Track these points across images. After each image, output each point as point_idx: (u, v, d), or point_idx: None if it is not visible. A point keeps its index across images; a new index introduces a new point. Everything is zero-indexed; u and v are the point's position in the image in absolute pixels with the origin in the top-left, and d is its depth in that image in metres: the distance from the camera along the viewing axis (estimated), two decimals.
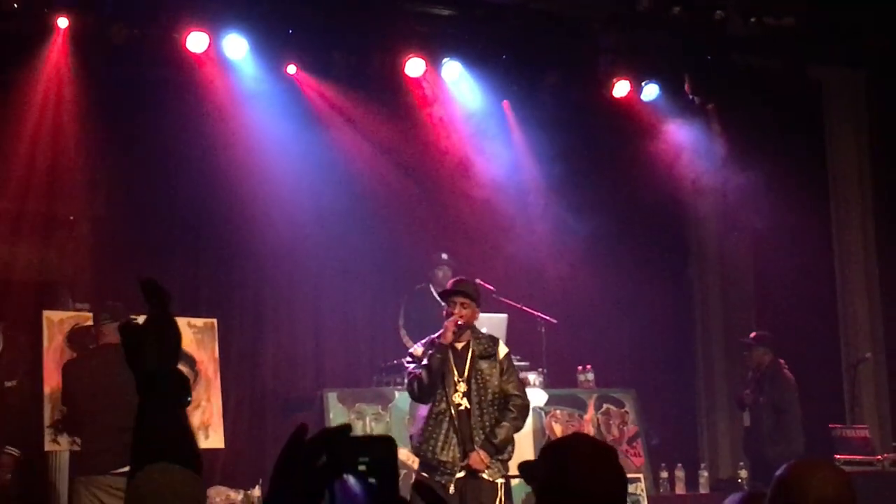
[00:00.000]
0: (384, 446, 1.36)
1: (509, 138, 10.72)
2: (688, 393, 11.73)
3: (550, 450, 2.76)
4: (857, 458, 9.09)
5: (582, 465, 2.64)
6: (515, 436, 6.92)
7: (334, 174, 10.18)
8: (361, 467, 1.34)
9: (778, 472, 2.81)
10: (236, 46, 9.39)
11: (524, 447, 7.89)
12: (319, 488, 1.34)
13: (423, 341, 6.95)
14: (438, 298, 9.61)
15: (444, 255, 9.79)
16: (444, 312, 6.86)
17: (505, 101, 10.74)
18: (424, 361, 6.71)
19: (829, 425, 9.68)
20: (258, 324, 10.30)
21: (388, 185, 10.52)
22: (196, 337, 8.47)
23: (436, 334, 6.82)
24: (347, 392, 8.95)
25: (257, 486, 8.31)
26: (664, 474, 9.59)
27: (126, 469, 2.35)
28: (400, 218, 10.55)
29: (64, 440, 7.53)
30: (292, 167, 9.83)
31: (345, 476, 1.35)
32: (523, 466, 2.79)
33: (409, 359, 6.99)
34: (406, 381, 6.96)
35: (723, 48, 10.29)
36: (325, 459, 1.35)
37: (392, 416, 8.80)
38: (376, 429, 8.61)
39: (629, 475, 9.22)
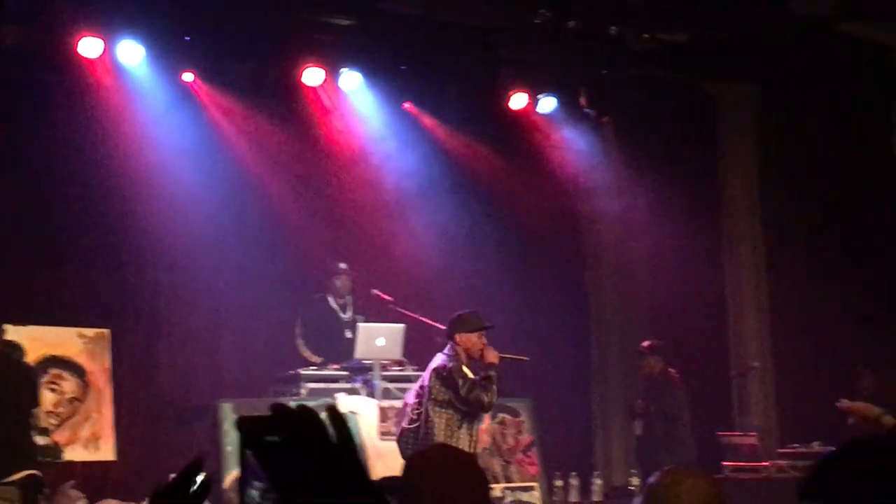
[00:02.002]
0: (298, 420, 1.35)
1: (408, 148, 10.74)
2: (583, 401, 11.87)
3: (410, 463, 2.78)
4: (744, 464, 9.31)
5: (440, 476, 2.66)
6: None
7: (231, 183, 10.10)
8: (272, 444, 1.34)
9: (649, 481, 2.88)
10: (131, 52, 9.27)
11: None
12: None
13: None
14: (336, 308, 9.70)
15: (342, 265, 9.79)
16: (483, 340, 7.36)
17: (407, 102, 10.75)
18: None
19: (718, 433, 9.91)
20: (153, 333, 10.15)
21: (285, 193, 10.47)
22: (87, 347, 8.35)
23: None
24: (243, 402, 8.88)
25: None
26: (559, 482, 9.71)
27: None
28: (298, 227, 10.50)
29: None
30: (188, 175, 9.73)
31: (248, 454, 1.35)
32: (385, 481, 2.81)
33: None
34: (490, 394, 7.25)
35: (618, 63, 10.46)
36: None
37: None
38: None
39: (524, 483, 9.36)
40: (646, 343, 10.06)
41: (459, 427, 7.21)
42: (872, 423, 4.28)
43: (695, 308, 11.16)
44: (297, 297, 10.14)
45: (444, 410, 7.19)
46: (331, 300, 9.73)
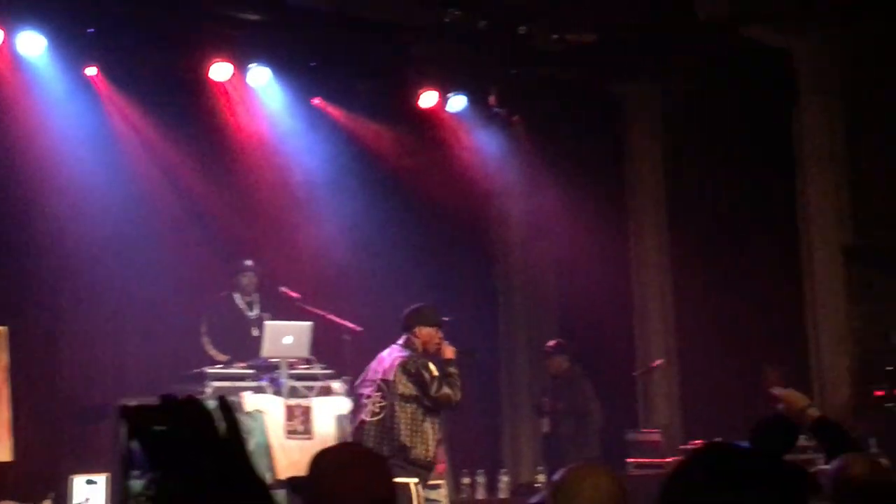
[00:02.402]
0: (184, 411, 1.33)
1: (317, 144, 10.69)
2: (492, 399, 11.93)
3: (316, 460, 2.76)
4: (648, 461, 9.45)
5: (346, 475, 2.66)
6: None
7: (136, 179, 9.95)
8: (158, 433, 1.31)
9: (554, 477, 2.90)
10: (32, 43, 9.05)
11: None
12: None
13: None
14: (242, 306, 9.60)
15: (249, 262, 9.69)
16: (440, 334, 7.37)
17: (316, 97, 10.69)
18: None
19: (624, 430, 10.05)
20: (55, 331, 9.94)
21: (191, 189, 10.34)
22: None
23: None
24: (146, 401, 8.72)
25: (48, 500, 8.03)
26: (466, 480, 9.74)
27: None
28: (204, 224, 10.38)
29: None
30: (92, 171, 9.55)
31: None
32: (293, 481, 2.79)
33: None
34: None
35: (527, 63, 10.53)
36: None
37: None
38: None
39: (431, 481, 9.35)
40: (552, 342, 10.14)
41: (423, 421, 7.22)
42: (798, 412, 4.39)
43: (602, 307, 11.30)
44: (203, 295, 10.01)
45: (408, 405, 7.18)
46: (237, 298, 9.63)
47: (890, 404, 9.08)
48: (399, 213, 11.23)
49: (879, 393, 9.17)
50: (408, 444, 7.11)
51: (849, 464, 3.91)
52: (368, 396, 7.33)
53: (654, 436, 10.01)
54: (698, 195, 11.09)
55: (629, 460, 9.54)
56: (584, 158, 11.45)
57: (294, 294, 9.49)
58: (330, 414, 9.01)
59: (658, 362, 10.80)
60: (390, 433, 7.14)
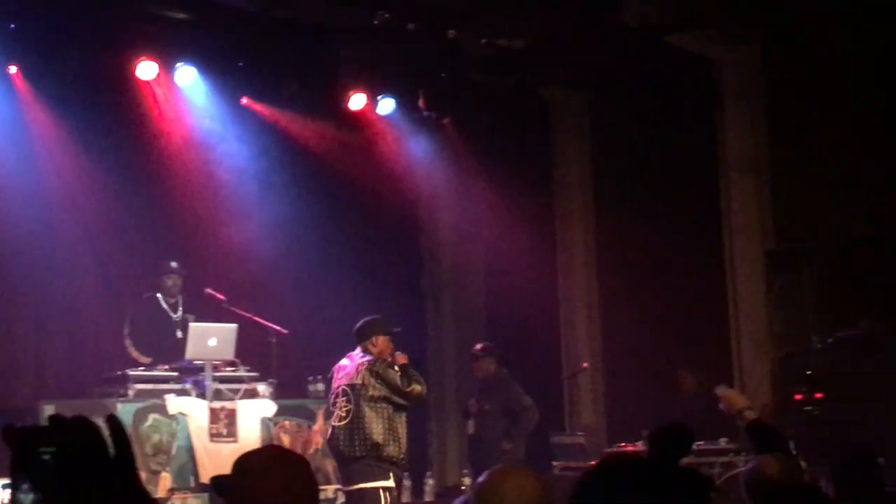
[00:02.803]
0: (73, 432, 1.29)
1: (244, 144, 10.61)
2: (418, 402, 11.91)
3: (239, 462, 2.75)
4: (573, 464, 9.51)
5: (268, 477, 2.65)
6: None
7: (59, 179, 9.79)
8: (46, 456, 1.28)
9: (479, 480, 2.92)
10: None
11: None
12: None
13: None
14: (167, 308, 9.50)
15: (174, 264, 9.59)
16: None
17: (244, 97, 10.61)
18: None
19: (550, 432, 10.10)
20: None
21: (117, 189, 10.20)
22: None
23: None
24: (66, 404, 8.57)
25: None
26: None
27: None
28: (129, 225, 10.26)
29: None
30: (13, 168, 9.39)
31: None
32: (215, 480, 2.77)
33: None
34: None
35: (456, 66, 10.56)
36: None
37: None
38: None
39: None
40: (479, 345, 10.16)
41: (394, 420, 7.42)
42: (736, 412, 4.55)
43: (529, 310, 11.37)
44: (127, 296, 9.89)
45: (379, 405, 7.36)
46: (161, 299, 9.52)
47: (809, 407, 9.23)
48: (327, 215, 11.19)
49: (799, 396, 9.32)
50: (381, 442, 7.28)
51: (762, 465, 4.01)
52: (334, 404, 7.53)
53: (580, 439, 10.08)
54: (625, 200, 11.20)
55: (555, 463, 9.60)
56: (512, 162, 11.51)
57: (220, 296, 9.42)
58: (255, 416, 8.96)
59: (584, 365, 10.88)
60: (361, 434, 7.30)
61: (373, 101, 10.81)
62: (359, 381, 7.37)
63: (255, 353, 9.37)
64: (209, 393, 8.76)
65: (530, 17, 9.80)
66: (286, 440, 9.12)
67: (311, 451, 9.18)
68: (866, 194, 9.58)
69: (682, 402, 9.61)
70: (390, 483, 7.26)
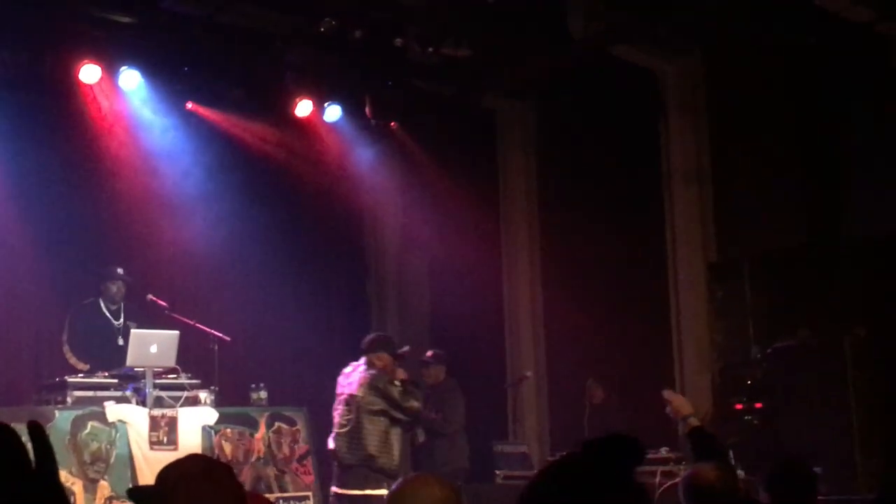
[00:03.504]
0: None
1: (188, 150, 10.53)
2: None
3: (163, 472, 2.71)
4: (516, 473, 9.53)
5: (193, 486, 2.61)
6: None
7: (1, 180, 9.65)
8: None
9: (392, 487, 2.92)
10: None
11: None
12: None
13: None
14: (108, 314, 9.39)
15: (120, 270, 9.47)
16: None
17: (189, 102, 10.53)
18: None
19: (492, 441, 10.11)
20: None
21: (59, 194, 10.10)
22: None
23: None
24: (3, 411, 8.45)
25: None
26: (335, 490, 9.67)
27: None
28: (70, 228, 10.14)
29: None
30: None
31: None
32: (133, 491, 2.73)
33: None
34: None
35: (402, 74, 10.57)
36: None
37: (52, 436, 8.39)
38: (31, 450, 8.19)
39: (299, 493, 9.29)
40: (430, 352, 10.15)
41: (389, 433, 7.83)
42: (681, 418, 4.62)
43: (474, 318, 11.38)
44: (66, 302, 9.75)
45: (376, 418, 7.77)
46: (102, 305, 9.41)
47: (749, 416, 9.33)
48: (273, 221, 11.14)
49: (739, 406, 9.42)
50: (375, 453, 7.72)
51: (700, 472, 4.07)
52: (337, 411, 7.97)
53: (522, 448, 10.11)
54: (569, 209, 11.26)
55: (497, 472, 9.61)
56: (457, 171, 11.53)
57: (161, 302, 9.34)
58: (196, 424, 8.87)
59: (527, 374, 10.91)
60: (358, 444, 7.76)
61: (319, 108, 10.78)
62: (360, 394, 7.79)
63: (196, 361, 9.29)
64: (149, 400, 8.66)
65: (476, 27, 9.83)
66: (228, 448, 9.05)
67: (253, 458, 9.12)
68: (804, 204, 9.72)
69: (589, 412, 9.73)
70: (384, 492, 7.47)
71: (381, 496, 7.44)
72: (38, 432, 1.27)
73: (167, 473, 2.69)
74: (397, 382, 7.80)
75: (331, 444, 8.08)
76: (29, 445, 1.40)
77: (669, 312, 10.28)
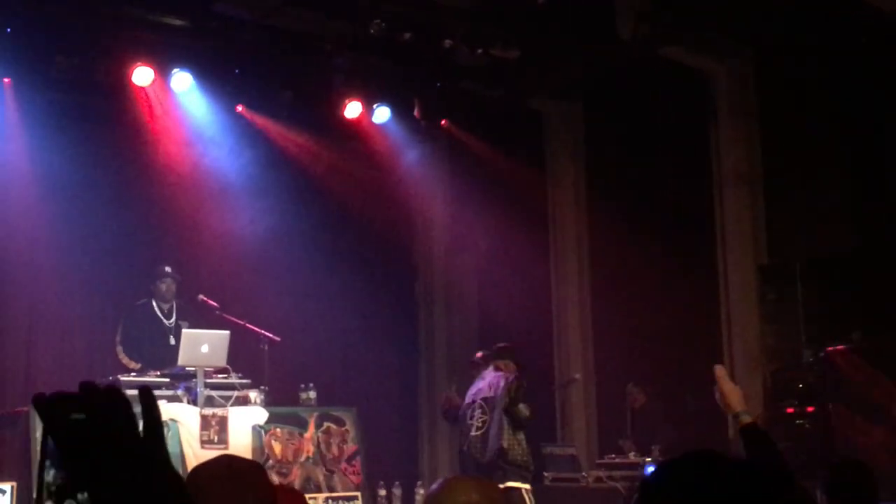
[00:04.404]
0: (105, 400, 1.26)
1: (240, 151, 10.62)
2: (410, 411, 11.92)
3: (193, 473, 2.73)
4: (564, 475, 9.50)
5: (224, 486, 2.63)
6: None
7: (55, 182, 9.79)
8: (76, 418, 1.23)
9: (431, 487, 2.91)
10: None
11: None
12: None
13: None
14: (160, 314, 9.49)
15: (168, 269, 9.58)
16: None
17: (239, 105, 10.61)
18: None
19: (541, 443, 10.08)
20: None
21: (112, 195, 10.22)
22: None
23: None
24: None
25: None
26: (382, 492, 9.71)
27: None
28: (124, 230, 10.27)
29: None
30: (7, 175, 9.39)
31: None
32: None
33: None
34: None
35: (452, 76, 10.58)
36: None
37: None
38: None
39: (347, 493, 9.32)
40: (479, 353, 10.11)
41: (517, 431, 8.39)
42: (731, 414, 4.27)
43: (522, 321, 11.35)
44: (120, 303, 9.87)
45: (506, 416, 8.36)
46: (155, 305, 9.51)
47: (800, 421, 9.24)
48: (322, 223, 11.21)
49: (790, 410, 9.33)
50: (505, 446, 8.29)
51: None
52: (471, 416, 8.55)
53: (571, 450, 10.07)
54: (618, 211, 11.20)
55: (546, 474, 9.59)
56: (507, 172, 11.51)
57: (212, 303, 9.42)
58: (246, 424, 8.94)
59: (575, 377, 10.87)
60: (491, 441, 8.33)
61: (368, 110, 10.83)
62: (494, 395, 8.40)
63: (247, 361, 9.36)
64: (200, 399, 8.74)
65: (524, 28, 9.82)
66: (277, 448, 9.11)
67: (303, 458, 9.17)
68: (857, 207, 9.61)
69: (631, 417, 9.67)
70: (520, 484, 8.17)
71: (519, 488, 8.09)
72: (148, 398, 1.27)
73: (197, 474, 2.71)
74: (520, 391, 8.37)
75: (464, 448, 8.62)
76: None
77: (720, 316, 10.19)
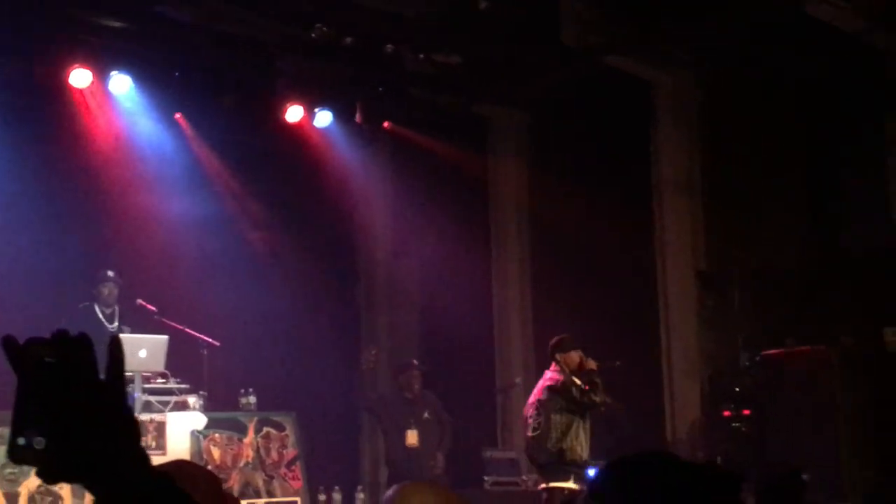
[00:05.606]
0: (75, 346, 1.29)
1: (178, 155, 10.54)
2: (351, 416, 11.89)
3: None
4: (504, 479, 9.55)
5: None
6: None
7: None
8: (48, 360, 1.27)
9: (386, 494, 2.92)
10: None
11: None
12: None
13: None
14: (102, 318, 9.38)
15: (110, 273, 9.48)
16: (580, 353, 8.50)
17: (178, 113, 10.54)
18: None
19: (481, 447, 10.13)
20: None
21: (52, 197, 10.09)
22: None
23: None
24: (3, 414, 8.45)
25: None
26: (322, 497, 9.69)
27: None
28: (64, 233, 10.13)
29: None
30: None
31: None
32: None
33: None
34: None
35: (394, 81, 10.58)
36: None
37: None
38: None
39: (287, 498, 9.30)
40: (415, 360, 10.13)
41: (572, 427, 8.35)
42: None
43: (463, 324, 11.39)
44: (60, 307, 9.74)
45: (559, 416, 8.35)
46: (97, 309, 9.41)
47: (737, 424, 9.37)
48: (263, 227, 11.15)
49: (727, 413, 9.46)
50: (563, 447, 8.30)
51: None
52: (528, 417, 8.58)
53: (511, 454, 10.12)
54: (560, 217, 11.27)
55: (486, 477, 9.63)
56: (448, 176, 11.54)
57: (151, 307, 9.34)
58: (185, 429, 8.88)
59: (517, 381, 10.92)
60: (547, 443, 8.35)
61: (310, 114, 10.79)
62: (543, 397, 8.45)
63: (185, 366, 9.29)
64: (138, 405, 8.66)
65: (468, 35, 9.85)
66: (216, 453, 9.06)
67: (242, 464, 9.13)
68: (793, 215, 9.76)
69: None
70: (571, 484, 8.16)
71: (573, 489, 8.11)
72: (116, 348, 1.32)
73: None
74: (577, 381, 8.28)
75: (524, 449, 8.83)
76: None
77: (659, 321, 10.30)
